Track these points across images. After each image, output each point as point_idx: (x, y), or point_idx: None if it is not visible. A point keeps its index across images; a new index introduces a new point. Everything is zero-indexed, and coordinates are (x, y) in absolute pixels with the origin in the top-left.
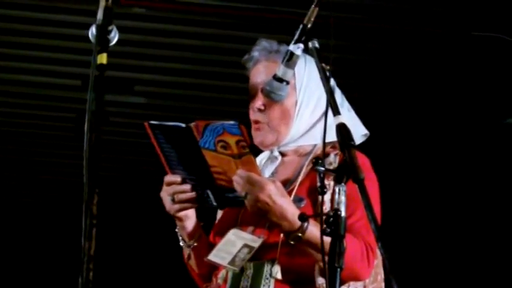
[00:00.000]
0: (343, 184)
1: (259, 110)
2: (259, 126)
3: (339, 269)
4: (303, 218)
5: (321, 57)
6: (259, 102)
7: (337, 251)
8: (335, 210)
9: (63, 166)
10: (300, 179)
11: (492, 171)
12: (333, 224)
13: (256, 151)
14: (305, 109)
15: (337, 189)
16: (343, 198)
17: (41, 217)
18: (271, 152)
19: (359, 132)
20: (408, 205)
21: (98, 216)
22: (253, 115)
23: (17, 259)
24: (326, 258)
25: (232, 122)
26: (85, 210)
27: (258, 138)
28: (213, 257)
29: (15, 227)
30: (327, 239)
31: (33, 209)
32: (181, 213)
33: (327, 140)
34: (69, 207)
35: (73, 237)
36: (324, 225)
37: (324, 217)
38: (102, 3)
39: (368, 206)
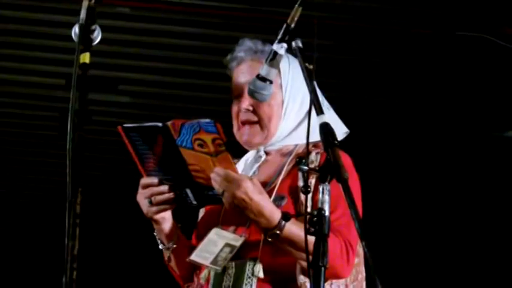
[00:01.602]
0: (327, 183)
1: (247, 110)
2: (248, 126)
3: (323, 268)
4: (286, 217)
5: (304, 56)
6: (246, 102)
7: (321, 250)
8: (319, 210)
9: (46, 165)
10: (281, 177)
11: (478, 166)
12: (317, 224)
13: (240, 151)
14: (291, 108)
15: (321, 189)
16: (327, 197)
17: (24, 216)
18: (257, 151)
19: (340, 130)
20: (390, 204)
21: (81, 216)
22: (241, 115)
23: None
24: (309, 256)
25: (207, 120)
26: (68, 210)
27: (244, 137)
28: (195, 257)
29: None
30: (309, 238)
31: (16, 208)
32: (159, 216)
33: (311, 140)
34: (52, 206)
35: (57, 237)
36: (308, 225)
37: (308, 216)
38: (85, 3)
39: (352, 206)
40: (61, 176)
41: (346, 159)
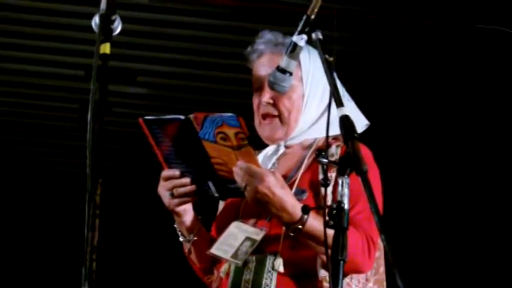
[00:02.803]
0: (346, 176)
1: (268, 103)
2: (269, 121)
3: (342, 262)
4: (305, 210)
5: (324, 48)
6: (267, 95)
7: (340, 243)
8: (338, 203)
9: (66, 156)
10: (301, 171)
11: (494, 164)
12: (336, 217)
13: (260, 145)
14: (312, 101)
15: (340, 182)
16: (346, 190)
17: (44, 207)
18: (278, 146)
19: (360, 122)
20: (409, 197)
21: (101, 207)
22: (262, 108)
23: (20, 249)
24: (329, 250)
25: (230, 114)
26: (88, 201)
27: (266, 132)
28: (215, 250)
29: (19, 218)
30: (330, 232)
31: (37, 200)
32: (180, 208)
33: (331, 133)
34: (72, 197)
35: (76, 228)
36: (327, 218)
37: (327, 210)
38: None
39: (371, 199)
40: (81, 167)
41: (366, 153)
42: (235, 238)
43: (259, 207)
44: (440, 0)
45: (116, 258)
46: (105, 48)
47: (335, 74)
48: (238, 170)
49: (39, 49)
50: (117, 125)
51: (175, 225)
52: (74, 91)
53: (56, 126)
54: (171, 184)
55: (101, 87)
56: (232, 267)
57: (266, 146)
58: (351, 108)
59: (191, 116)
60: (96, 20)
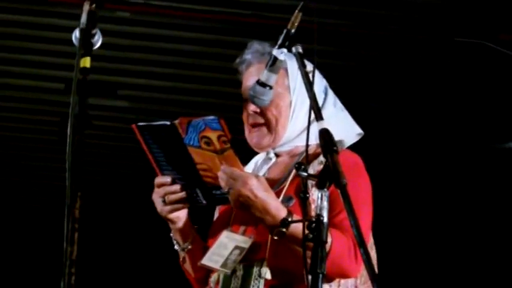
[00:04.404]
0: (325, 190)
1: (255, 112)
2: (257, 129)
3: (321, 275)
4: (284, 223)
5: (304, 62)
6: (253, 105)
7: (319, 256)
8: (317, 216)
9: (46, 169)
10: (290, 178)
11: (479, 171)
12: (316, 230)
13: (252, 153)
14: (300, 110)
15: (319, 195)
16: (325, 203)
17: (23, 220)
18: (267, 153)
19: (354, 131)
20: (397, 207)
21: (80, 220)
22: (250, 118)
23: None
24: (307, 264)
25: (212, 117)
26: (67, 214)
27: (254, 139)
28: (206, 261)
29: None
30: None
31: (15, 212)
32: (173, 215)
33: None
34: (51, 211)
35: (55, 241)
36: (307, 231)
37: (307, 223)
38: (86, 7)
39: (350, 212)
40: (61, 180)
41: (356, 161)
42: (225, 247)
43: (242, 211)
44: (421, 14)
45: (95, 271)
46: (85, 62)
47: (326, 83)
48: (222, 175)
49: (20, 62)
50: (98, 138)
51: (171, 234)
52: (54, 104)
53: (36, 139)
54: (164, 191)
55: (81, 100)
56: (222, 276)
57: (256, 154)
58: (343, 117)
59: (176, 121)
60: (76, 34)
